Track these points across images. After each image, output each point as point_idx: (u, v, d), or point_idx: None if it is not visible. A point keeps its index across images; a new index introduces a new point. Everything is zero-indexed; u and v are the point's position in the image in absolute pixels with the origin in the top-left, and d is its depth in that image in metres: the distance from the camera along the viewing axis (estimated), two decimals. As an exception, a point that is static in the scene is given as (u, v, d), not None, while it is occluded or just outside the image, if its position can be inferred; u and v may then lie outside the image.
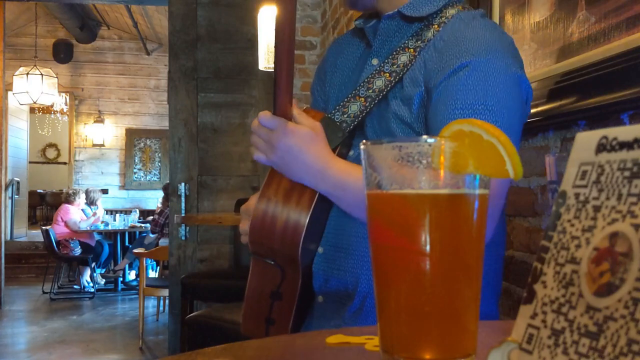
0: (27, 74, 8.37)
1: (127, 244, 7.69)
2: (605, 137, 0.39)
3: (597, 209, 0.38)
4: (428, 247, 0.48)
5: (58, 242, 7.10)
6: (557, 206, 0.41)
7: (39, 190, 11.80)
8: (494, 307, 1.14)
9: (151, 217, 7.48)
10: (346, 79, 1.23)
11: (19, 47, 10.19)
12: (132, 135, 10.71)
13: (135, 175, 10.72)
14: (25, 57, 9.94)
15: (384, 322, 0.50)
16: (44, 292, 7.24)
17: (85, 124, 10.62)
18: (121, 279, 7.51)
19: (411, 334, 0.49)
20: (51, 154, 13.18)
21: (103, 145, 10.59)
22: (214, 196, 4.26)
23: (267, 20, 3.26)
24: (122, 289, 7.47)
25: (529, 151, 1.47)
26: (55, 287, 7.17)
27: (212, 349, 0.61)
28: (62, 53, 10.37)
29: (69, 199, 7.54)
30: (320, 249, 1.12)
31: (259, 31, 3.39)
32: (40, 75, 8.44)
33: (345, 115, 1.11)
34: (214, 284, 3.52)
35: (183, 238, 4.20)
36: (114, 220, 7.89)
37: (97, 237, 7.55)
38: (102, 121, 10.58)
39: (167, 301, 4.99)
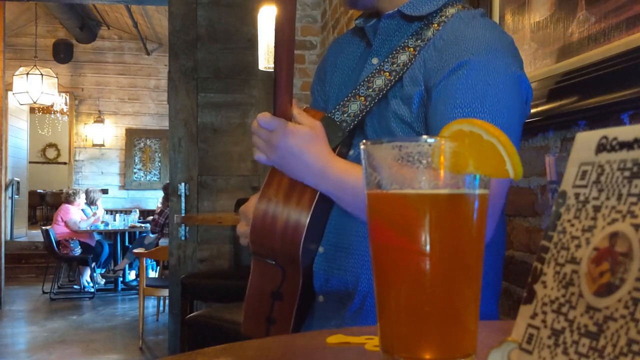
0: (27, 74, 8.37)
1: (127, 244, 7.69)
2: (605, 137, 0.39)
3: (597, 209, 0.38)
4: (428, 247, 0.48)
5: (58, 242, 7.10)
6: (557, 206, 0.41)
7: (39, 190, 11.80)
8: (494, 307, 1.14)
9: (151, 217, 7.48)
10: (346, 79, 1.23)
11: (19, 47, 10.19)
12: (132, 135, 10.71)
13: (135, 175, 10.72)
14: (25, 57, 9.94)
15: (384, 322, 0.50)
16: (44, 292, 7.24)
17: (85, 124, 10.62)
18: (121, 279, 7.51)
19: (411, 334, 0.49)
20: (51, 154, 13.18)
21: (103, 145, 10.59)
22: (214, 196, 4.26)
23: (267, 20, 3.26)
24: (122, 289, 7.47)
25: (529, 151, 1.47)
26: (55, 287, 7.17)
27: (212, 349, 0.61)
28: (62, 53, 10.37)
29: (69, 199, 7.54)
30: (321, 249, 1.12)
31: (259, 31, 3.39)
32: (40, 75, 8.44)
33: (345, 115, 1.11)
34: (214, 284, 3.52)
35: (183, 238, 4.20)
36: (114, 220, 7.89)
37: (97, 237, 7.55)
38: (102, 121, 10.58)
39: (167, 301, 4.99)
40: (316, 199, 1.03)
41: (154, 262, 6.71)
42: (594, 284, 0.36)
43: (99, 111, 10.63)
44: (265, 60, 3.36)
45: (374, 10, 1.19)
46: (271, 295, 1.09)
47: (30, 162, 10.35)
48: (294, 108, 1.00)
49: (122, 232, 7.69)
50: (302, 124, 1.00)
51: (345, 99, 1.12)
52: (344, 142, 1.11)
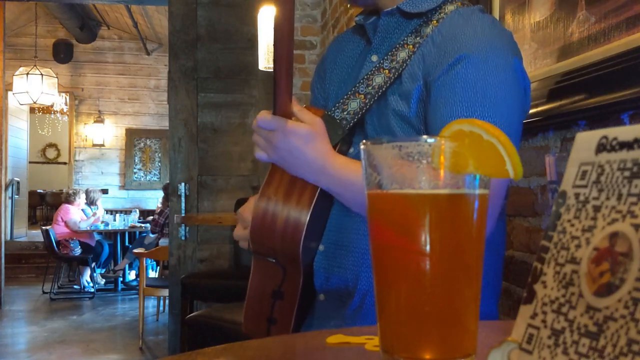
0: (27, 74, 8.37)
1: (127, 244, 7.69)
2: (605, 137, 0.39)
3: (597, 209, 0.38)
4: (428, 247, 0.48)
5: (58, 242, 7.10)
6: (557, 206, 0.41)
7: (39, 190, 11.80)
8: (494, 307, 1.14)
9: (151, 217, 7.48)
10: (346, 76, 1.23)
11: (19, 47, 10.19)
12: (132, 135, 10.71)
13: (135, 175, 10.72)
14: (25, 57, 9.94)
15: (384, 322, 0.50)
16: (44, 292, 7.24)
17: (85, 124, 10.62)
18: (121, 279, 7.51)
19: (411, 334, 0.49)
20: (51, 154, 13.18)
21: (103, 145, 10.59)
22: (214, 196, 4.26)
23: (267, 20, 3.26)
24: (122, 289, 7.47)
25: (529, 151, 1.47)
26: (55, 287, 7.17)
27: (212, 349, 0.61)
28: (62, 53, 10.37)
29: (69, 199, 7.54)
30: (321, 247, 1.12)
31: (259, 31, 3.39)
32: (40, 75, 8.44)
33: (345, 113, 1.11)
34: (214, 284, 3.52)
35: (183, 238, 4.20)
36: (114, 220, 7.89)
37: (97, 237, 7.55)
38: (102, 121, 10.58)
39: (167, 301, 4.99)
40: (316, 197, 1.03)
41: (154, 262, 6.71)
42: (594, 284, 0.36)
43: (99, 111, 10.63)
44: (265, 60, 3.36)
45: (375, 8, 1.19)
46: (272, 295, 1.09)
47: (30, 162, 10.35)
48: (295, 105, 1.00)
49: (122, 232, 7.69)
50: (303, 121, 1.00)
51: (345, 96, 1.12)
52: (344, 140, 1.11)
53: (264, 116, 0.99)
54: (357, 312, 1.08)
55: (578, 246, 0.38)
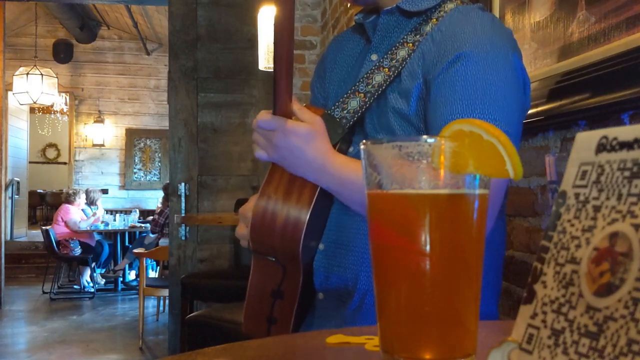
0: (27, 74, 8.37)
1: (127, 244, 7.69)
2: (605, 137, 0.39)
3: (597, 209, 0.38)
4: (428, 247, 0.48)
5: (58, 242, 7.10)
6: (557, 206, 0.41)
7: (39, 190, 11.80)
8: (494, 307, 1.14)
9: (151, 217, 7.48)
10: (346, 75, 1.23)
11: (19, 47, 10.19)
12: (132, 135, 10.71)
13: (135, 175, 10.72)
14: (25, 57, 9.94)
15: (384, 322, 0.50)
16: (44, 292, 7.24)
17: (85, 124, 10.62)
18: (121, 279, 7.52)
19: (411, 334, 0.49)
20: (51, 154, 13.18)
21: (103, 145, 10.59)
22: (214, 196, 4.26)
23: (267, 20, 3.26)
24: (122, 289, 7.48)
25: (529, 151, 1.47)
26: (55, 287, 7.17)
27: (212, 349, 0.61)
28: (62, 53, 10.37)
29: (69, 199, 7.54)
30: (321, 246, 1.12)
31: (259, 31, 3.39)
32: (40, 75, 8.44)
33: (345, 112, 1.11)
34: (214, 284, 3.52)
35: (183, 238, 4.20)
36: (114, 220, 7.89)
37: (97, 237, 7.55)
38: (102, 121, 10.58)
39: (167, 301, 4.99)
40: (316, 196, 1.03)
41: (154, 262, 6.71)
42: (594, 284, 0.36)
43: (99, 111, 10.63)
44: (265, 60, 3.36)
45: (375, 7, 1.19)
46: (272, 294, 1.09)
47: (30, 162, 10.35)
48: (295, 104, 1.00)
49: (122, 232, 7.69)
50: (303, 120, 1.00)
51: (345, 95, 1.12)
52: (343, 139, 1.11)
53: (264, 116, 0.99)
54: (357, 311, 1.08)
55: (578, 246, 0.38)
